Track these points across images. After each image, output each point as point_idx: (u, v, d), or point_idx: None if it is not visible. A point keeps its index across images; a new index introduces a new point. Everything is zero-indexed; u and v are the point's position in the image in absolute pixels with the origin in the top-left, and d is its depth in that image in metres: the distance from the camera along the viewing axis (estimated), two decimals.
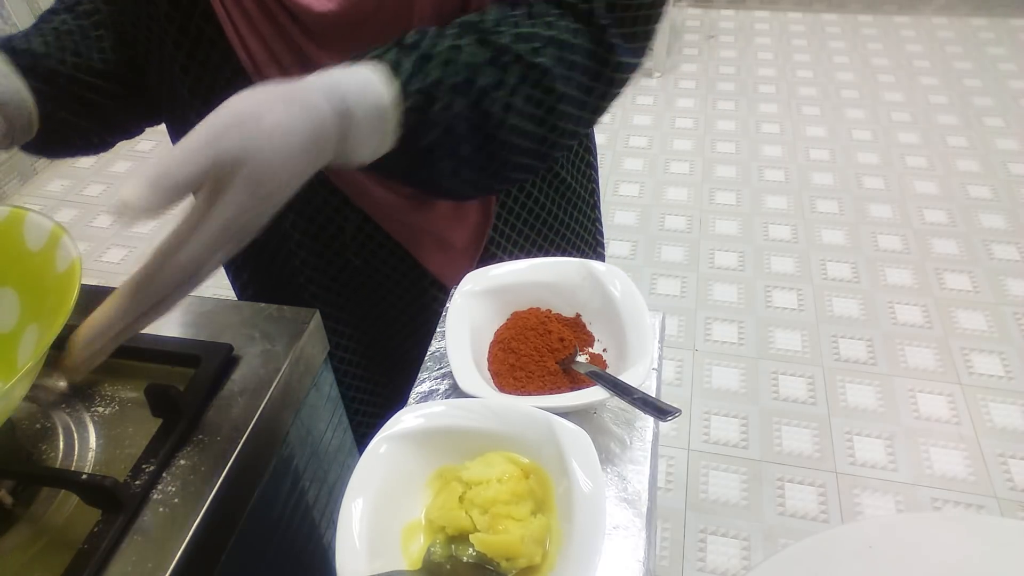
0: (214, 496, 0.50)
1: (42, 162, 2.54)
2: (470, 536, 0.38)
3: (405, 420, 0.43)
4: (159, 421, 0.54)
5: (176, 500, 0.49)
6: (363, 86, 0.40)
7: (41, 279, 0.51)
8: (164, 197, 0.33)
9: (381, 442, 0.42)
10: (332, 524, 0.76)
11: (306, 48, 0.53)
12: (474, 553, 0.38)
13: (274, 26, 0.52)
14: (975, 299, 1.88)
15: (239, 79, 0.55)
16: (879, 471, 1.50)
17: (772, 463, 1.53)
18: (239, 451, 0.53)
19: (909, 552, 0.62)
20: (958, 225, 2.12)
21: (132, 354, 0.60)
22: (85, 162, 2.59)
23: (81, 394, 0.59)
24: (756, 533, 1.41)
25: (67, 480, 0.49)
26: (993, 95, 2.68)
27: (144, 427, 0.55)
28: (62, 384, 0.60)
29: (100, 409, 0.58)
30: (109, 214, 2.16)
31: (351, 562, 0.37)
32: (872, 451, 1.54)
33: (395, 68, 0.42)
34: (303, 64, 0.54)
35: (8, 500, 0.50)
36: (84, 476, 0.48)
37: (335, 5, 0.50)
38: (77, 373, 0.37)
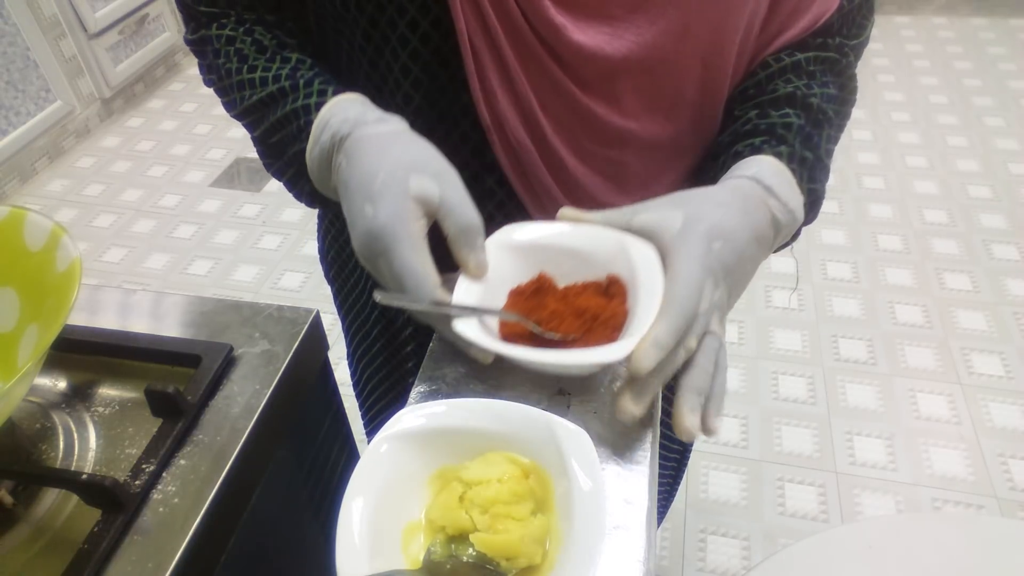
0: (214, 496, 0.50)
1: (42, 162, 2.54)
2: (470, 536, 0.38)
3: (405, 420, 0.43)
4: (159, 421, 0.54)
5: (176, 500, 0.49)
6: (795, 202, 0.50)
7: (41, 279, 0.51)
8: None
9: (381, 442, 0.42)
10: (332, 524, 0.75)
11: (569, 89, 0.50)
12: (474, 553, 0.38)
13: (535, 70, 0.50)
14: (975, 299, 1.88)
15: (474, 135, 0.53)
16: (879, 471, 1.50)
17: (772, 463, 1.53)
18: (239, 451, 0.53)
19: (909, 552, 0.62)
20: (958, 225, 2.12)
21: (132, 354, 0.60)
22: (85, 162, 2.59)
23: (81, 394, 0.59)
24: (756, 533, 1.41)
25: (67, 480, 0.49)
26: (993, 95, 2.68)
27: (144, 427, 0.55)
28: (62, 384, 0.60)
29: (100, 409, 0.58)
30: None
31: (351, 562, 0.37)
32: (872, 451, 1.54)
33: (798, 176, 0.51)
34: (564, 114, 0.52)
35: (8, 500, 0.50)
36: (84, 476, 0.48)
37: (595, 40, 0.48)
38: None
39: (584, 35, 0.47)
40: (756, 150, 0.51)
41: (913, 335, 1.79)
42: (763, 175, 0.49)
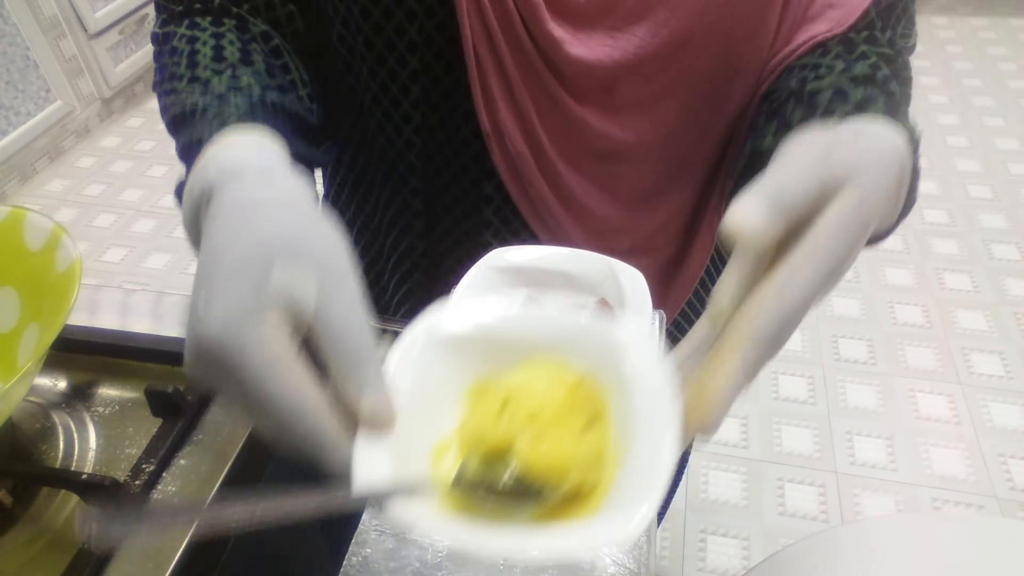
0: (214, 496, 0.50)
1: (42, 162, 2.54)
2: (511, 450, 0.32)
3: (440, 321, 0.36)
4: (159, 421, 0.54)
5: (176, 500, 0.49)
6: (907, 143, 0.37)
7: (41, 279, 0.51)
8: (780, 214, 0.30)
9: (412, 345, 0.35)
10: (332, 524, 0.76)
11: (565, 102, 0.50)
12: (514, 472, 0.32)
13: (533, 81, 0.49)
14: (975, 299, 1.88)
15: (475, 142, 0.53)
16: (879, 471, 1.50)
17: (772, 463, 1.53)
18: (239, 451, 0.53)
19: (909, 552, 0.62)
20: (958, 225, 2.12)
21: (132, 354, 0.60)
22: (85, 162, 2.59)
23: (81, 394, 0.59)
24: (756, 533, 1.41)
25: (67, 480, 0.49)
26: (993, 95, 2.68)
27: (144, 427, 0.55)
28: (62, 384, 0.60)
29: (100, 409, 0.58)
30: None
31: (370, 472, 0.30)
32: (872, 451, 1.54)
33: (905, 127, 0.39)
34: (560, 125, 0.51)
35: (8, 500, 0.50)
36: (84, 476, 0.48)
37: (594, 53, 0.47)
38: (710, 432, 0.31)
39: (584, 48, 0.47)
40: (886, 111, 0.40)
41: (913, 335, 1.79)
42: (903, 150, 0.36)
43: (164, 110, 0.46)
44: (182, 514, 0.29)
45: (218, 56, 0.45)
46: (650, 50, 0.48)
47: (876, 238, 0.40)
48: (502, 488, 0.31)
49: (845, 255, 0.31)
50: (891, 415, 1.61)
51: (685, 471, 1.01)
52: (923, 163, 2.12)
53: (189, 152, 0.40)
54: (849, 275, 1.95)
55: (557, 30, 0.46)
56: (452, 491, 0.32)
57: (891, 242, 2.06)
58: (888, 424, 1.59)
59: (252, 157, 0.37)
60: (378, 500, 0.29)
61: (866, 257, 2.01)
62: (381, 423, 0.31)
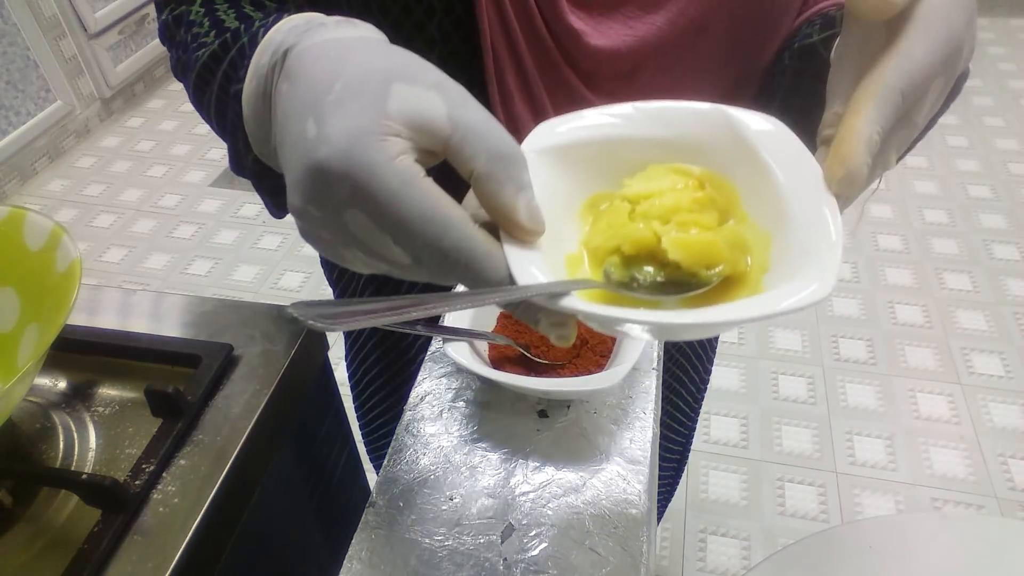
0: (214, 496, 0.50)
1: (42, 162, 2.54)
2: (656, 247, 0.31)
3: (550, 132, 0.35)
4: (159, 421, 0.54)
5: (176, 500, 0.49)
6: None
7: (41, 279, 0.51)
8: None
9: (528, 155, 0.32)
10: (332, 524, 0.76)
11: (582, 95, 0.49)
12: (664, 265, 0.31)
13: (550, 75, 0.49)
14: (975, 299, 1.88)
15: None
16: (879, 471, 1.50)
17: (772, 463, 1.53)
18: (239, 451, 0.53)
19: (909, 552, 0.62)
20: (958, 225, 2.12)
21: (132, 354, 0.60)
22: (85, 162, 2.59)
23: (81, 394, 0.59)
24: (756, 533, 1.41)
25: (67, 480, 0.49)
26: (993, 95, 2.68)
27: (144, 427, 0.55)
28: (62, 384, 0.60)
29: (100, 409, 0.58)
30: None
31: (529, 274, 0.29)
32: (872, 451, 1.54)
33: None
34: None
35: (8, 500, 0.50)
36: (84, 476, 0.48)
37: (613, 42, 0.47)
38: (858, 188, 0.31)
39: (603, 39, 0.47)
40: None
41: (913, 335, 1.79)
42: None
43: (190, 67, 0.42)
44: (384, 307, 0.27)
45: (243, 16, 0.43)
46: (669, 38, 0.48)
47: (961, 78, 0.39)
48: (651, 284, 0.30)
49: (961, 28, 0.31)
50: (891, 415, 1.61)
51: (685, 471, 1.01)
52: (923, 163, 2.10)
53: (232, 70, 0.37)
54: (849, 275, 1.95)
55: (577, 22, 0.46)
56: (601, 293, 0.31)
57: (891, 242, 2.06)
58: (888, 424, 1.59)
59: (322, 16, 0.35)
60: (543, 295, 0.28)
61: (866, 257, 2.01)
62: (536, 226, 0.29)
